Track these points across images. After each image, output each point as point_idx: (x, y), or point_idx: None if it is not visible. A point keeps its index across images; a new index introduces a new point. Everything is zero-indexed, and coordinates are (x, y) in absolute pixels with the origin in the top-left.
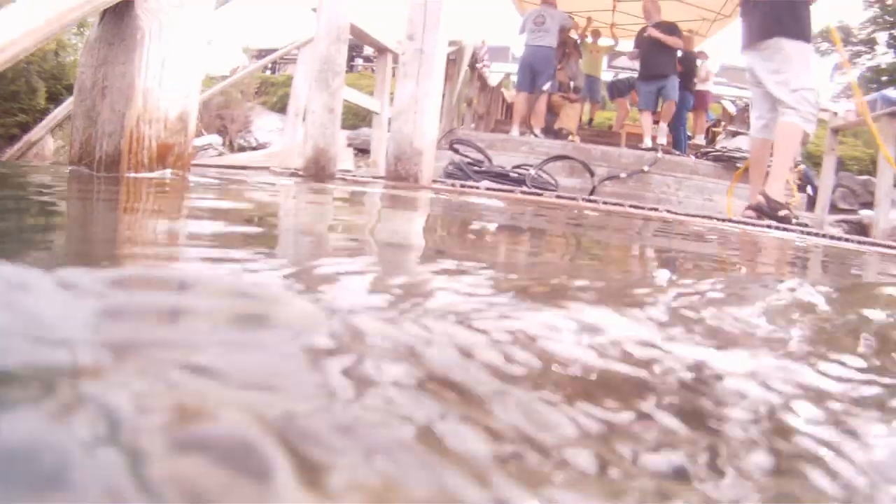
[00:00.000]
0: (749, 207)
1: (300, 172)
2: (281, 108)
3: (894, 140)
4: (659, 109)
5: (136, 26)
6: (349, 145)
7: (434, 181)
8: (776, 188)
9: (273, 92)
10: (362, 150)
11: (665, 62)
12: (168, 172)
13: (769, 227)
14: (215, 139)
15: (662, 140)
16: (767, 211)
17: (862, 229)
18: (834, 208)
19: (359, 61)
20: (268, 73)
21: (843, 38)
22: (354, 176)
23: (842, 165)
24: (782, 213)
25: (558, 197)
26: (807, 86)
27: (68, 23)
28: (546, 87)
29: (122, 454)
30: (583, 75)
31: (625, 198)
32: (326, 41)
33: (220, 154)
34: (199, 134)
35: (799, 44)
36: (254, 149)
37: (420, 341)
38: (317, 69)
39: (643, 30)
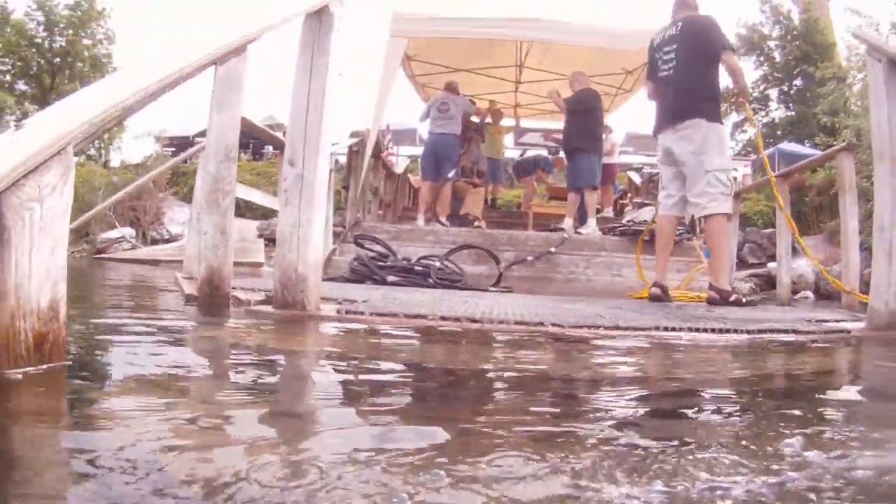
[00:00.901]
0: (707, 300)
1: (195, 294)
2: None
3: (788, 199)
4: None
5: (2, 226)
6: (260, 236)
7: (323, 300)
8: (722, 279)
9: (184, 182)
10: (273, 241)
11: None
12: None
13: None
14: (128, 231)
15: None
16: (719, 301)
17: (771, 281)
18: (745, 263)
19: (269, 148)
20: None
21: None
22: (243, 302)
23: (747, 221)
24: (733, 298)
25: (473, 321)
26: (723, 167)
27: None
28: (451, 174)
29: None
30: (485, 159)
31: (534, 281)
32: (215, 161)
33: (134, 247)
34: (112, 227)
35: (716, 125)
36: (166, 241)
37: None
38: (207, 190)
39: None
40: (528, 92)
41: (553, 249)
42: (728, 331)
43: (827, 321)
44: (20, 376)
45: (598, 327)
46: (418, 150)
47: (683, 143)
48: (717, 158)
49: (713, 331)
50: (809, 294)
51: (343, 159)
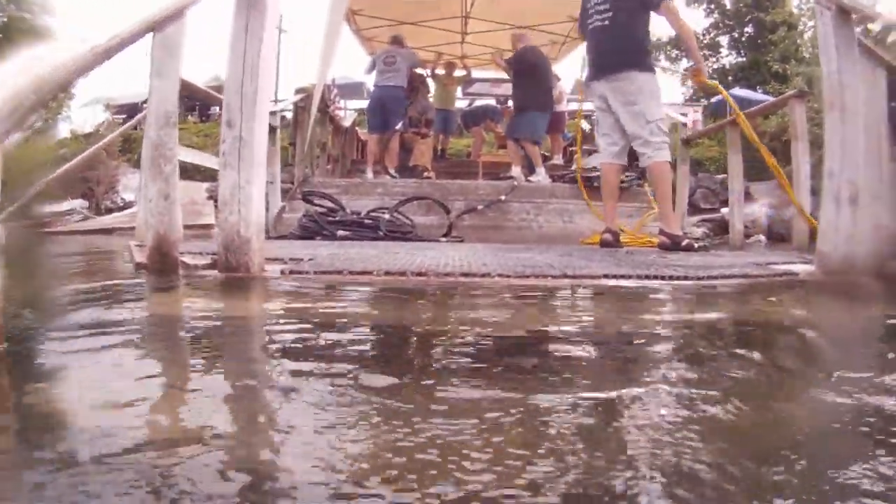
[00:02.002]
0: (658, 245)
1: (145, 262)
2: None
3: (739, 146)
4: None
5: None
6: (210, 198)
7: (269, 260)
8: (672, 224)
9: (136, 149)
10: None
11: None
12: None
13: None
14: (79, 203)
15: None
16: (671, 246)
17: (724, 226)
18: (697, 209)
19: (215, 109)
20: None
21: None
22: (191, 267)
23: (700, 166)
24: (685, 243)
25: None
26: (658, 116)
27: None
28: (398, 126)
29: None
30: (433, 109)
31: (485, 230)
32: (156, 127)
33: (86, 218)
34: (62, 200)
35: (649, 76)
36: (121, 209)
37: None
38: (148, 156)
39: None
40: (474, 43)
41: (503, 197)
42: (677, 277)
43: (777, 265)
44: None
45: (547, 276)
46: (365, 104)
47: (618, 94)
48: (655, 108)
49: (662, 278)
50: (762, 238)
51: (290, 115)
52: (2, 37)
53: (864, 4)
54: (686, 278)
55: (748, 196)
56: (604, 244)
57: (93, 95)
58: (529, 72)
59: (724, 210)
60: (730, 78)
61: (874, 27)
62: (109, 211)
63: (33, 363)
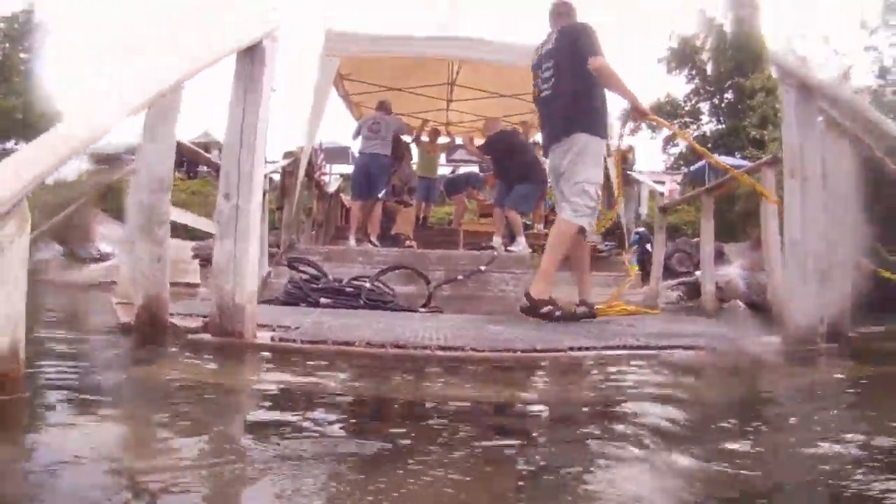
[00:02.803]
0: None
1: (132, 324)
2: (124, 215)
3: (712, 212)
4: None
5: None
6: (195, 257)
7: (259, 326)
8: (539, 287)
9: (115, 198)
10: (208, 261)
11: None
12: None
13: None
14: (57, 249)
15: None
16: (529, 311)
17: (698, 289)
18: (674, 272)
19: (203, 166)
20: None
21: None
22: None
23: (677, 231)
24: (544, 309)
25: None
26: (590, 180)
27: None
28: (381, 194)
29: None
30: (416, 178)
31: (464, 300)
32: (148, 191)
33: (64, 267)
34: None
35: (593, 139)
36: (96, 260)
37: None
38: (141, 219)
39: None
40: (459, 110)
41: (483, 268)
42: (637, 347)
43: (742, 336)
44: None
45: (514, 350)
46: (350, 169)
47: (561, 157)
48: (590, 170)
49: (624, 348)
50: (740, 304)
51: (277, 177)
52: None
53: (825, 82)
54: (647, 347)
55: (723, 258)
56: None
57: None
58: (506, 154)
59: (699, 273)
60: (709, 145)
61: None
62: (83, 261)
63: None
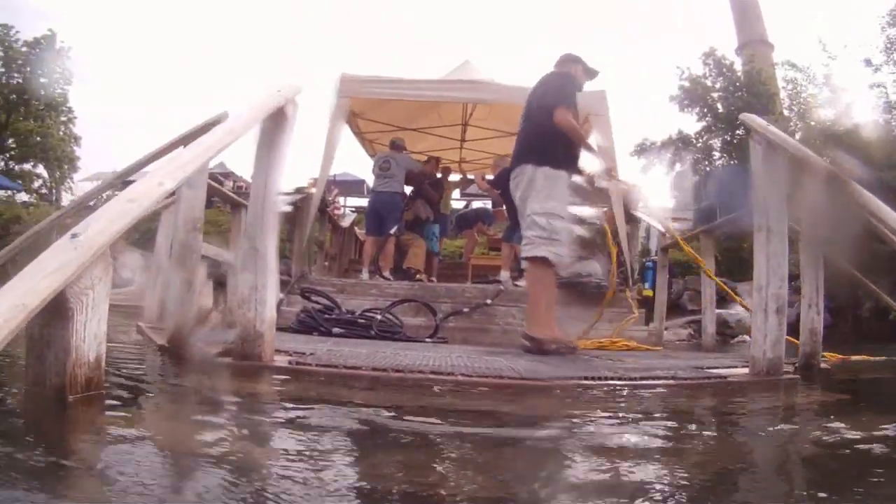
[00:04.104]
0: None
1: (166, 345)
2: (143, 243)
3: (713, 253)
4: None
5: (68, 307)
6: (209, 276)
7: (278, 352)
8: (536, 329)
9: (135, 227)
10: (221, 284)
11: None
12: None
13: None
14: None
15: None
16: (534, 350)
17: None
18: (685, 311)
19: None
20: None
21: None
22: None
23: (689, 269)
24: (552, 347)
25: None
26: (544, 211)
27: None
28: (393, 230)
29: None
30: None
31: (470, 332)
32: (184, 231)
33: None
34: None
35: (544, 169)
36: (116, 286)
37: None
38: (176, 252)
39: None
40: (473, 148)
41: (489, 301)
42: (611, 378)
43: (716, 368)
44: (73, 399)
45: (503, 377)
46: (365, 201)
47: (516, 190)
48: (539, 202)
49: (597, 378)
50: (747, 337)
51: (288, 208)
52: (17, 98)
53: (791, 142)
54: (620, 379)
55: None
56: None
57: (95, 170)
58: None
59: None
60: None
61: None
62: None
63: None
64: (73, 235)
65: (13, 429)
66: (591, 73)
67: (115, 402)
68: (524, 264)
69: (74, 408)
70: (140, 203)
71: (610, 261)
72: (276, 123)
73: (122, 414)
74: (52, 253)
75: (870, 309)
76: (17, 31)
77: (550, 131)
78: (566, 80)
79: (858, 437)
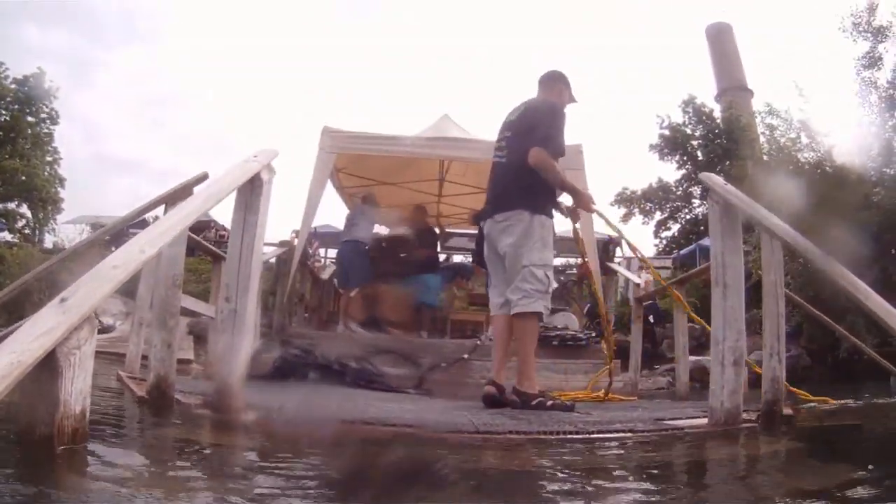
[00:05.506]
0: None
1: (146, 398)
2: (123, 289)
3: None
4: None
5: (57, 365)
6: (190, 333)
7: (249, 405)
8: (527, 384)
9: None
10: (201, 338)
11: None
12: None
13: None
14: None
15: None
16: (520, 405)
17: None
18: (664, 359)
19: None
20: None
21: (661, 196)
22: (185, 405)
23: (667, 317)
24: (535, 402)
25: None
26: (543, 262)
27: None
28: (355, 282)
29: None
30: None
31: (449, 385)
32: (164, 286)
33: None
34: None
35: (541, 218)
36: (98, 332)
37: None
38: (157, 309)
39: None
40: (449, 203)
41: (466, 356)
42: (569, 432)
43: (676, 419)
44: (60, 450)
45: (461, 432)
46: None
47: (504, 235)
48: (536, 253)
49: (551, 433)
50: None
51: (273, 261)
52: (3, 135)
53: (746, 201)
54: (577, 433)
55: (703, 347)
56: (485, 397)
57: (79, 213)
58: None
59: (692, 358)
60: (702, 227)
61: None
62: None
63: None
64: (63, 300)
65: (5, 474)
66: (573, 101)
67: (99, 452)
68: (521, 320)
69: (62, 456)
70: (124, 269)
71: (583, 314)
72: (252, 188)
73: (106, 463)
74: (43, 315)
75: (848, 350)
76: (6, 69)
77: (537, 175)
78: (554, 112)
79: (805, 486)
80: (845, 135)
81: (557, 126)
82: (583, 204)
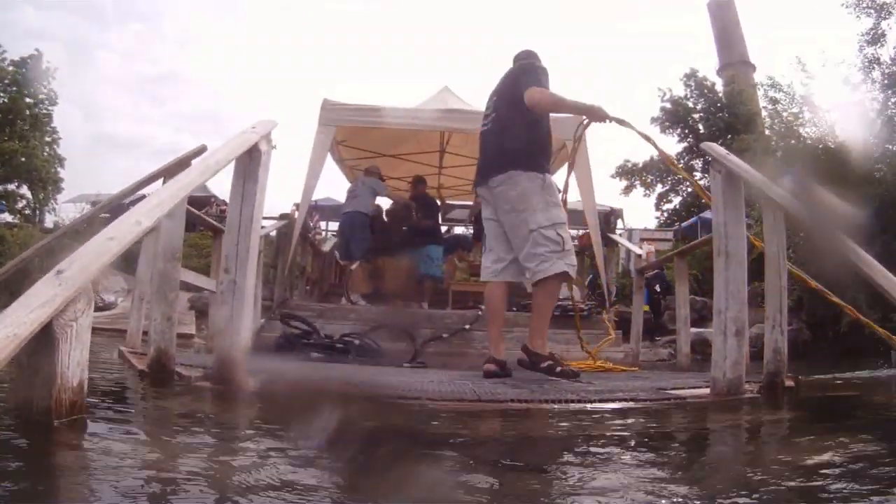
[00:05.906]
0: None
1: (147, 371)
2: (124, 266)
3: (686, 274)
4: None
5: (54, 337)
6: (192, 308)
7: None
8: (539, 343)
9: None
10: (203, 313)
11: None
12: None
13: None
14: None
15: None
16: (528, 365)
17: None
18: (666, 330)
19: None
20: None
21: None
22: (185, 378)
23: (670, 288)
24: (544, 364)
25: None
26: (546, 223)
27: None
28: (357, 254)
29: None
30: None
31: (448, 356)
32: (163, 260)
33: None
34: None
35: (535, 174)
36: (100, 309)
37: None
38: (156, 283)
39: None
40: (451, 175)
41: (467, 327)
42: (572, 401)
43: (679, 389)
44: (58, 423)
45: (463, 400)
46: None
47: (501, 201)
48: (540, 214)
49: (553, 401)
50: None
51: (273, 234)
52: (2, 117)
53: (749, 171)
54: (580, 401)
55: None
56: (487, 375)
57: (79, 192)
58: None
59: (694, 330)
60: (703, 201)
61: None
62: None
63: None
64: (59, 272)
65: (3, 447)
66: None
67: (97, 424)
68: (545, 285)
69: (59, 429)
70: (119, 241)
71: (584, 284)
72: (251, 159)
73: (104, 435)
74: (39, 288)
75: (849, 324)
76: (4, 51)
77: (532, 135)
78: (532, 67)
79: (805, 454)
80: (848, 111)
81: (543, 75)
82: (598, 117)
